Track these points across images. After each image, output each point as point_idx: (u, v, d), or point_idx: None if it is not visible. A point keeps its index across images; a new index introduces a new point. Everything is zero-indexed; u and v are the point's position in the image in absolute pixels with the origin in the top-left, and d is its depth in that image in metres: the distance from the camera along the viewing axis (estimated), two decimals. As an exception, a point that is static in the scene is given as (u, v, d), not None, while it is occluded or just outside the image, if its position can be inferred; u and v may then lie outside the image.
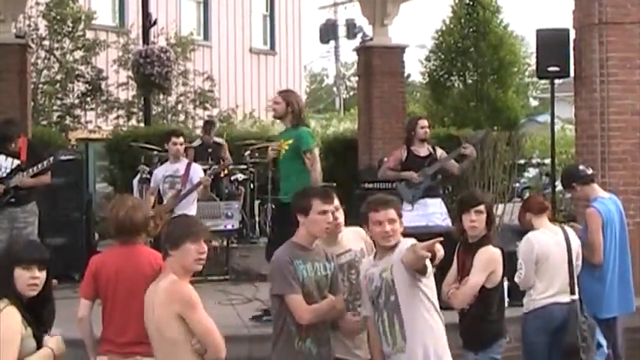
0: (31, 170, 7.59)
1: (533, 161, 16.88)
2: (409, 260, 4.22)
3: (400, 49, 12.36)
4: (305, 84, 29.55)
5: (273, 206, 10.63)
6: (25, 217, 7.69)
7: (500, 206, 10.61)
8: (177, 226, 4.20)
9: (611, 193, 6.58)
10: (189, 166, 8.19)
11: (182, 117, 17.16)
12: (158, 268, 4.29)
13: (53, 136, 13.11)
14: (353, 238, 4.84)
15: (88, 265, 4.64)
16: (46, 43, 15.97)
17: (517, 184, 14.81)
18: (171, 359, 4.01)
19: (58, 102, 16.16)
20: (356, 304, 4.72)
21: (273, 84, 23.08)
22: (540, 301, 5.58)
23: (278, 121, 7.60)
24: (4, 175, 7.62)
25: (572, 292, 5.60)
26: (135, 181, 10.19)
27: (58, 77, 16.01)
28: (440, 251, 4.20)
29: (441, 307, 4.53)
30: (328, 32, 21.85)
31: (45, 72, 15.93)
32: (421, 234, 6.43)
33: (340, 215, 4.75)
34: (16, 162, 7.65)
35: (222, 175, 9.99)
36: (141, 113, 15.75)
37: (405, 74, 13.28)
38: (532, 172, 17.54)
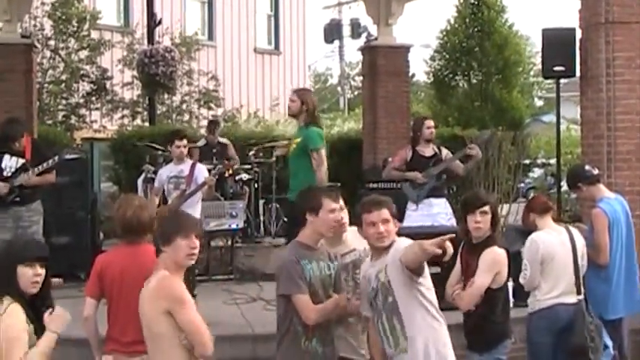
0: (36, 169, 7.61)
1: (538, 161, 16.88)
2: (410, 258, 4.17)
3: (405, 49, 12.35)
4: (309, 84, 29.52)
5: (277, 205, 10.66)
6: (30, 215, 7.70)
7: (505, 206, 10.60)
8: (168, 222, 4.20)
9: (617, 194, 6.57)
10: (193, 166, 8.18)
11: (187, 117, 17.16)
12: (163, 267, 4.28)
13: (58, 135, 13.13)
14: (356, 238, 4.84)
15: (94, 264, 4.65)
16: (52, 42, 16.00)
17: (522, 185, 14.81)
18: (159, 354, 4.01)
19: (64, 101, 16.18)
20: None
21: (278, 84, 23.09)
22: (545, 301, 5.56)
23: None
24: (9, 174, 7.63)
25: (579, 293, 5.59)
26: (139, 181, 10.19)
27: (64, 77, 16.02)
28: (450, 248, 4.16)
29: (444, 308, 4.52)
30: (333, 32, 21.80)
31: (50, 72, 15.95)
32: (426, 234, 6.46)
33: (345, 215, 4.75)
34: (21, 161, 7.66)
35: (226, 174, 9.98)
36: (145, 113, 15.77)
37: (410, 74, 13.25)
38: (537, 172, 17.54)
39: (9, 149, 7.66)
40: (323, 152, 6.92)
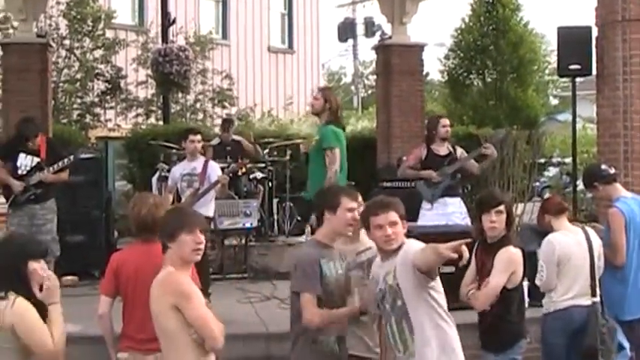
0: (51, 168, 7.66)
1: (554, 160, 16.79)
2: (423, 262, 4.05)
3: (419, 48, 12.31)
4: (323, 82, 29.50)
5: (291, 204, 10.65)
6: (44, 214, 7.76)
7: (520, 205, 10.56)
8: (172, 218, 4.18)
9: (633, 193, 6.51)
10: (206, 164, 8.19)
11: (201, 115, 17.20)
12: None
13: (73, 134, 13.19)
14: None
15: (109, 262, 4.67)
16: (67, 42, 16.07)
17: (537, 183, 14.75)
18: (172, 350, 4.00)
19: (78, 100, 16.25)
20: None
21: (291, 82, 23.10)
22: (560, 303, 5.52)
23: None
24: (24, 172, 7.68)
25: (594, 295, 5.54)
26: (154, 179, 10.22)
27: (78, 76, 16.10)
28: (466, 253, 4.07)
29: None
30: (346, 30, 21.81)
31: (65, 71, 16.02)
32: (440, 233, 6.44)
33: None
34: (36, 160, 7.72)
35: (240, 173, 9.99)
36: (160, 111, 15.82)
37: (424, 73, 13.22)
38: (552, 171, 17.45)
39: (24, 148, 7.71)
40: (337, 151, 6.92)
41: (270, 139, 11.93)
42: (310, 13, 24.44)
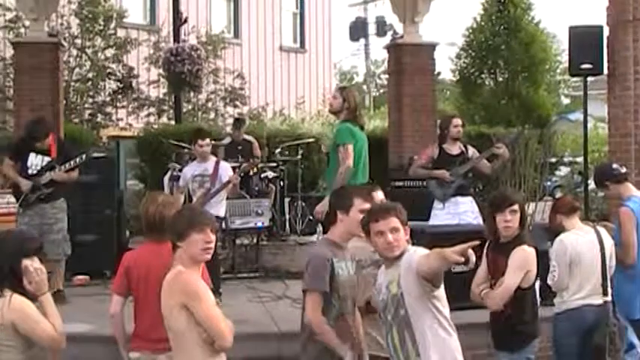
0: (62, 167, 7.68)
1: (565, 159, 16.73)
2: (428, 268, 3.94)
3: (431, 47, 12.28)
4: (335, 82, 29.52)
5: (303, 203, 10.65)
6: (55, 213, 7.78)
7: (532, 205, 10.53)
8: (182, 217, 4.17)
9: (644, 192, 6.48)
10: (217, 164, 8.21)
11: (212, 115, 17.21)
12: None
13: (85, 133, 13.24)
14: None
15: (121, 262, 4.68)
16: (78, 41, 16.10)
17: (548, 183, 14.69)
18: (180, 349, 4.01)
19: (90, 100, 16.29)
20: None
21: (303, 82, 23.11)
22: (572, 302, 5.51)
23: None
24: (35, 172, 7.71)
25: (605, 294, 5.52)
26: (165, 179, 10.24)
27: (90, 75, 16.13)
28: (472, 256, 3.99)
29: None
30: (358, 30, 21.85)
31: (77, 70, 16.06)
32: (452, 232, 6.43)
33: None
34: (47, 159, 7.74)
35: (251, 172, 10.00)
36: (171, 111, 15.83)
37: (436, 72, 13.19)
38: (564, 170, 17.38)
39: (34, 148, 7.73)
40: (350, 147, 6.90)
41: (282, 138, 11.95)
42: (322, 12, 24.44)
